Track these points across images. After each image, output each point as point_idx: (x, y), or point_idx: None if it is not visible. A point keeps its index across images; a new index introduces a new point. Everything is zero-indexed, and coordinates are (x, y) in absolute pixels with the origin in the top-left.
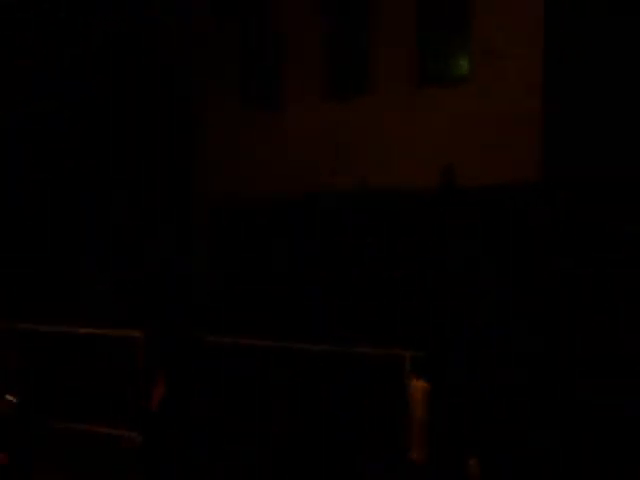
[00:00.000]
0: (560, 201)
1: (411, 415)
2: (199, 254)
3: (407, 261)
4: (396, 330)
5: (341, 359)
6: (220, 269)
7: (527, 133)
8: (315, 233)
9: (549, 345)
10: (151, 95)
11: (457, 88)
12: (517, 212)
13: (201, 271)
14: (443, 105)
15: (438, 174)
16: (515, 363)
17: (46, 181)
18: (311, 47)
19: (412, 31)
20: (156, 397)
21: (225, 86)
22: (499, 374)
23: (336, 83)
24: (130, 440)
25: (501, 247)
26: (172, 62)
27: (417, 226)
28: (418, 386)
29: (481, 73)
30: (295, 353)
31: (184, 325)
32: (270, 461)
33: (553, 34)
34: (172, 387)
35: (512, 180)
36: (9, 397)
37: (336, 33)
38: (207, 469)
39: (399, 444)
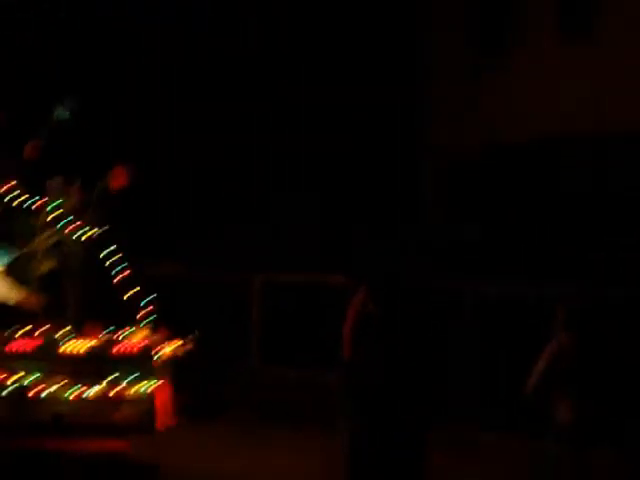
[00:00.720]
0: None
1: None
2: (427, 206)
3: None
4: None
5: None
6: (451, 221)
7: None
8: (549, 180)
9: None
10: (375, 45)
11: None
12: None
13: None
14: None
15: None
16: None
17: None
18: None
19: None
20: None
21: (451, 32)
22: None
23: (567, 26)
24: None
25: None
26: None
27: None
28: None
29: None
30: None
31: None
32: None
33: None
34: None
35: None
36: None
37: None
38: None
39: None
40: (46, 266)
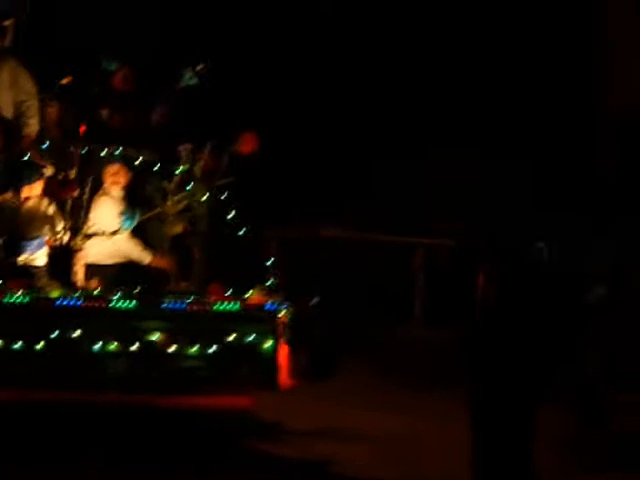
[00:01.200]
0: None
1: None
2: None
3: None
4: None
5: None
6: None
7: None
8: None
9: None
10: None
11: None
12: None
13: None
14: None
15: None
16: None
17: None
18: None
19: None
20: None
21: None
22: None
23: None
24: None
25: None
26: None
27: None
28: None
29: None
30: None
31: None
32: None
33: None
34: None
35: None
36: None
37: None
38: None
39: None
40: (176, 229)
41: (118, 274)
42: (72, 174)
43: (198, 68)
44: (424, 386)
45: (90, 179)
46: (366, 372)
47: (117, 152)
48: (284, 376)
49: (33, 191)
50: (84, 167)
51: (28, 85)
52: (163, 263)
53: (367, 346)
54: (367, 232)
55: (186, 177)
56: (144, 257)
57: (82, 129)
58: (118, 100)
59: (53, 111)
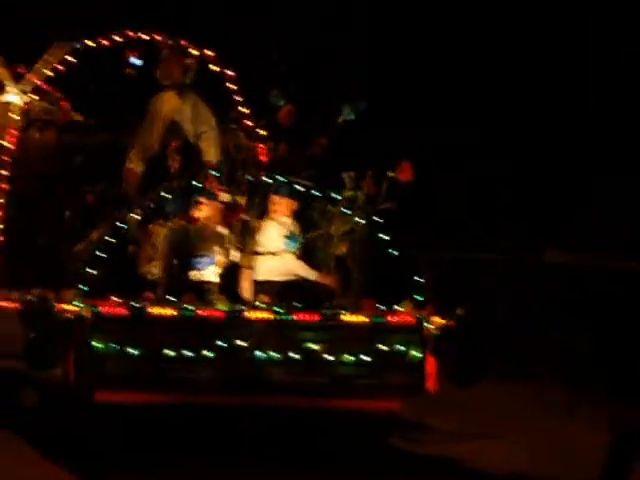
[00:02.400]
0: None
1: None
2: None
3: None
4: None
5: None
6: None
7: None
8: None
9: None
10: None
11: None
12: None
13: None
14: None
15: None
16: None
17: None
18: None
19: None
20: None
21: None
22: None
23: None
24: None
25: None
26: None
27: None
28: None
29: None
30: None
31: None
32: None
33: None
34: None
35: None
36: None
37: None
38: None
39: None
40: (340, 249)
41: (285, 290)
42: (242, 200)
43: (356, 104)
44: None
45: (257, 204)
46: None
47: (282, 180)
48: (431, 382)
49: (205, 213)
50: (252, 194)
51: (208, 118)
52: (328, 281)
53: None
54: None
55: (349, 202)
56: (309, 275)
57: (255, 159)
58: (282, 133)
59: (229, 142)
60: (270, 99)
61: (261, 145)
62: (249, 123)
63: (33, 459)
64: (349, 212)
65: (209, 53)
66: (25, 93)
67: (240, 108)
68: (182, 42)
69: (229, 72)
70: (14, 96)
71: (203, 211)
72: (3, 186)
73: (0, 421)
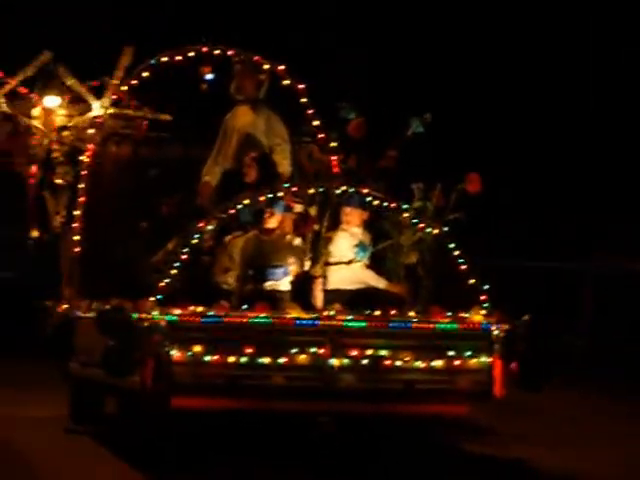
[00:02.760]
0: None
1: None
2: None
3: None
4: None
5: None
6: None
7: None
8: None
9: None
10: None
11: None
12: None
13: None
14: None
15: None
16: None
17: None
18: None
19: None
20: None
21: None
22: None
23: None
24: None
25: None
26: None
27: None
28: None
29: None
30: None
31: None
32: None
33: None
34: None
35: None
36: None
37: None
38: None
39: None
40: (411, 259)
41: (356, 298)
42: (313, 211)
43: (424, 117)
44: None
45: (328, 216)
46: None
47: (353, 191)
48: (498, 387)
49: (279, 224)
50: (324, 205)
51: (280, 131)
52: (397, 289)
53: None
54: None
55: (419, 212)
56: (379, 283)
57: (327, 171)
58: (353, 145)
59: (301, 154)
60: (340, 112)
61: (333, 157)
62: (321, 136)
63: (109, 460)
64: (418, 222)
65: (281, 67)
66: (106, 108)
67: (312, 121)
68: (254, 57)
69: (300, 86)
70: (99, 111)
71: (277, 222)
72: (81, 199)
73: (82, 426)
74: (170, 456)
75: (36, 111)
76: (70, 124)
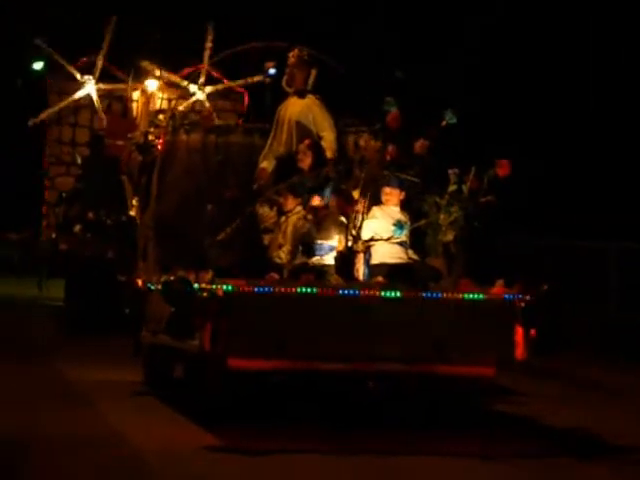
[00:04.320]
0: None
1: None
2: None
3: None
4: None
5: None
6: None
7: None
8: None
9: None
10: None
11: None
12: None
13: None
14: None
15: None
16: None
17: None
18: None
19: None
20: None
21: None
22: None
23: None
24: None
25: None
26: None
27: None
28: None
29: None
30: None
31: None
32: None
33: None
34: None
35: None
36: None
37: None
38: None
39: None
40: (448, 237)
41: (397, 271)
42: (356, 193)
43: (457, 109)
44: None
45: (369, 196)
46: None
47: (392, 176)
48: (519, 351)
49: (326, 205)
50: (366, 187)
51: (326, 121)
52: (437, 263)
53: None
54: None
55: (455, 195)
56: (416, 258)
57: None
58: (391, 135)
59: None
60: (384, 106)
61: (376, 145)
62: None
63: (172, 418)
64: (453, 204)
65: (330, 62)
66: (203, 90)
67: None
68: (304, 51)
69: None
70: (200, 95)
71: (325, 203)
72: (155, 184)
73: (149, 388)
74: (227, 414)
75: (135, 94)
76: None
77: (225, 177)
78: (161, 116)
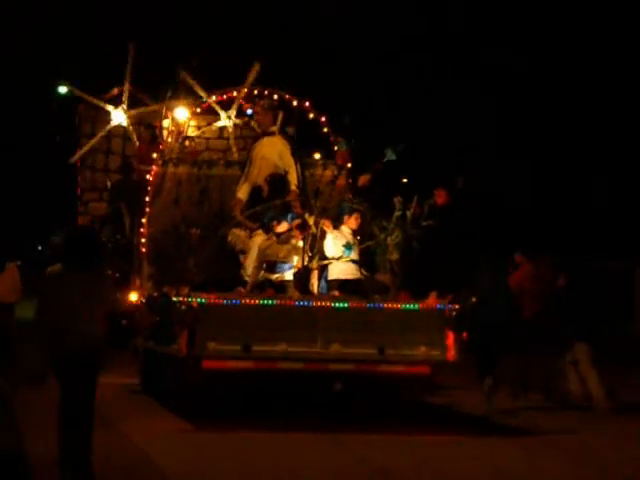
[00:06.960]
0: None
1: None
2: None
3: None
4: None
5: None
6: None
7: None
8: None
9: None
10: None
11: None
12: None
13: None
14: None
15: None
16: None
17: None
18: None
19: None
20: None
21: None
22: None
23: None
24: None
25: None
26: None
27: None
28: None
29: None
30: None
31: None
32: None
33: None
34: None
35: None
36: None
37: None
38: None
39: None
40: (394, 256)
41: (349, 286)
42: (310, 219)
43: (397, 148)
44: None
45: (324, 221)
46: None
47: (342, 203)
48: (450, 353)
49: (286, 229)
50: (320, 214)
51: (291, 158)
52: (384, 278)
53: None
54: None
55: (400, 220)
56: (366, 274)
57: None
58: (341, 170)
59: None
60: (336, 145)
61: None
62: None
63: (158, 412)
64: (399, 227)
65: (294, 102)
66: (230, 118)
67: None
68: (267, 101)
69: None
70: (226, 121)
71: (285, 227)
72: (147, 210)
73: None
74: (204, 408)
75: (166, 122)
76: (195, 134)
77: (207, 205)
78: (187, 142)
